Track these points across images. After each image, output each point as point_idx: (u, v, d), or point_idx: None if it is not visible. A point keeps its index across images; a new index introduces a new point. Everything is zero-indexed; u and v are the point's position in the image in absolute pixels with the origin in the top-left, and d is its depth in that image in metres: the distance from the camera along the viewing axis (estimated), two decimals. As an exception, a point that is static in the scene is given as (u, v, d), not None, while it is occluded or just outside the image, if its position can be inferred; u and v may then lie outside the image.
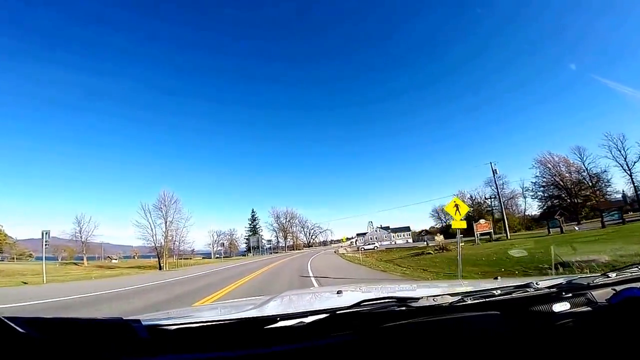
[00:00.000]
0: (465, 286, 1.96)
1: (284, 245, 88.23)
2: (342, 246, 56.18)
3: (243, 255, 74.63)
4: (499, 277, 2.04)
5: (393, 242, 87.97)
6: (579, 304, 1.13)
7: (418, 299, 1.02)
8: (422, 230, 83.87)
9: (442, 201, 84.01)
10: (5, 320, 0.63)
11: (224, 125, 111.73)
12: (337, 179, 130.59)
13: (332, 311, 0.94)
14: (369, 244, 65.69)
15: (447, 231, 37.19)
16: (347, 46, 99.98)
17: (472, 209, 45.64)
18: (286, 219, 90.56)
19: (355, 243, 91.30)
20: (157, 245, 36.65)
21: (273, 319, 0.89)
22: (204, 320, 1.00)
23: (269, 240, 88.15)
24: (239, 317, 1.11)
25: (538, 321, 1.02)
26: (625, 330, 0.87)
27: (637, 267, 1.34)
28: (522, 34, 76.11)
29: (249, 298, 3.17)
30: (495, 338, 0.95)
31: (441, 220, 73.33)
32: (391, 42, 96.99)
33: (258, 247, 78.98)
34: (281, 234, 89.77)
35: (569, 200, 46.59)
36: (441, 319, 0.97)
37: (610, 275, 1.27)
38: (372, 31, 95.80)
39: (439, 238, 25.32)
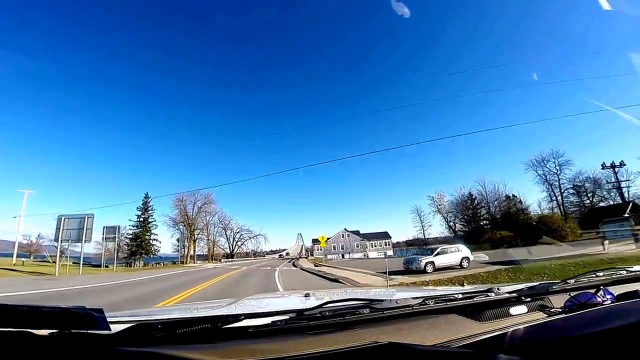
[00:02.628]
0: (431, 292, 1.91)
1: (189, 253, 55.56)
2: (298, 257, 49.48)
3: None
4: (465, 284, 3.28)
5: (365, 255, 59.55)
6: (535, 308, 1.21)
7: (382, 300, 1.08)
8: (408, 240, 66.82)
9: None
10: None
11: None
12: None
13: (298, 311, 0.98)
14: (329, 255, 52.92)
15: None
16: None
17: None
18: (193, 205, 56.68)
19: (306, 253, 60.94)
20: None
21: (237, 317, 0.89)
22: (167, 317, 1.06)
23: (177, 243, 56.08)
24: (203, 315, 1.15)
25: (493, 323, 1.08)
26: (575, 334, 0.90)
27: (594, 274, 1.46)
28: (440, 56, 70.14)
29: (218, 300, 3.27)
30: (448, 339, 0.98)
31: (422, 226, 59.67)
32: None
33: (148, 253, 47.00)
34: (187, 233, 55.51)
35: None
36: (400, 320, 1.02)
37: (569, 282, 1.36)
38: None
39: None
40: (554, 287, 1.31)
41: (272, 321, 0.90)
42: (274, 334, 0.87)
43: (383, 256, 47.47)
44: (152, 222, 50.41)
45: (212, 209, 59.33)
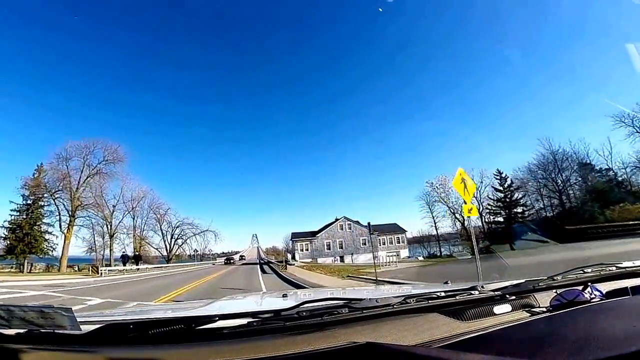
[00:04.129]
0: (412, 290, 1.90)
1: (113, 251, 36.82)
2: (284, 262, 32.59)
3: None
4: (449, 282, 2.01)
5: (378, 257, 38.08)
6: (519, 306, 1.18)
7: (361, 300, 1.05)
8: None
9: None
10: None
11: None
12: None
13: (274, 312, 0.96)
14: (322, 257, 40.79)
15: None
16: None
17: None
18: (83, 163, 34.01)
19: (284, 255, 48.22)
20: None
21: (211, 318, 0.88)
22: (139, 318, 1.04)
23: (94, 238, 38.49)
24: (176, 316, 1.12)
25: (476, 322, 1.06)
26: (562, 332, 0.89)
27: (581, 270, 1.42)
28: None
29: (194, 301, 3.41)
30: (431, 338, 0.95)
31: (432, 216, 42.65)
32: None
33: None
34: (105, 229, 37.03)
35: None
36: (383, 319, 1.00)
37: (555, 279, 1.33)
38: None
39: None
40: (540, 285, 1.29)
41: (247, 322, 0.88)
42: (249, 334, 0.86)
43: (394, 256, 31.53)
44: (45, 206, 32.94)
45: (122, 172, 36.99)
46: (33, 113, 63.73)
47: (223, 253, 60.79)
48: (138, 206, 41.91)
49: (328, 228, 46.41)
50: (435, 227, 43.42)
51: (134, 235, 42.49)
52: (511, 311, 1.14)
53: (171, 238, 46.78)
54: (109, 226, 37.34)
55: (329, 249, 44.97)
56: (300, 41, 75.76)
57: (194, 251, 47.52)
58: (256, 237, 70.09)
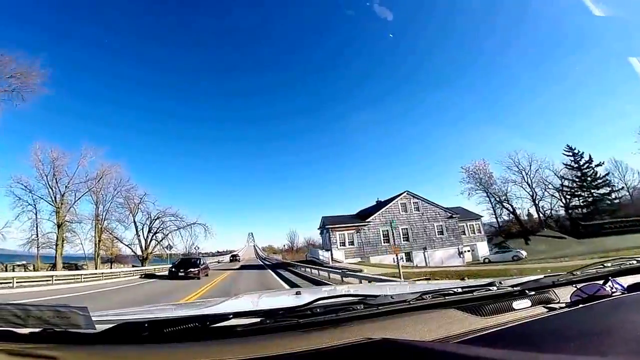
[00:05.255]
0: (428, 286, 1.79)
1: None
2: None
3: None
4: (466, 278, 2.14)
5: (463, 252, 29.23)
6: (539, 301, 1.15)
7: (377, 296, 1.05)
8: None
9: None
10: None
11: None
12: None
13: (288, 309, 0.96)
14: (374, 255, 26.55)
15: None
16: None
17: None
18: None
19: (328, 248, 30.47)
20: None
21: (226, 316, 0.88)
22: (154, 317, 1.03)
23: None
24: (191, 314, 1.12)
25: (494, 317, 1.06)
26: (583, 327, 0.89)
27: (602, 265, 1.42)
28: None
29: (207, 299, 3.22)
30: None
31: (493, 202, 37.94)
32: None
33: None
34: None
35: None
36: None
37: (575, 273, 1.32)
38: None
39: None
40: (560, 280, 1.27)
41: (261, 319, 0.88)
42: (263, 332, 0.85)
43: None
44: None
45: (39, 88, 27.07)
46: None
47: (218, 252, 53.55)
48: (101, 187, 31.01)
49: (384, 209, 29.38)
50: (497, 217, 37.23)
51: (95, 227, 30.98)
52: (530, 306, 1.10)
53: (148, 232, 34.91)
54: (58, 211, 27.76)
55: (387, 240, 28.08)
56: (295, 45, 74.54)
57: (182, 252, 35.16)
58: (252, 236, 64.77)
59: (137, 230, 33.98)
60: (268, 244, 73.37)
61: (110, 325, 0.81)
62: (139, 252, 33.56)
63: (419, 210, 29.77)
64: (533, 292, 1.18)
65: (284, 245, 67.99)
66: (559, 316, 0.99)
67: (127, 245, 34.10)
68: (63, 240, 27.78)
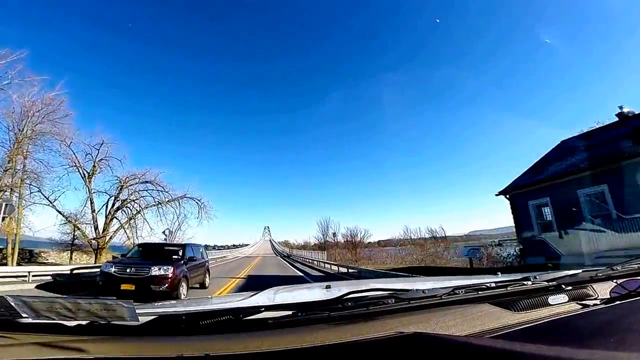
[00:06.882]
0: (460, 281, 1.69)
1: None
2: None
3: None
4: (499, 273, 1.90)
5: None
6: (576, 296, 1.13)
7: (408, 290, 1.04)
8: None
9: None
10: None
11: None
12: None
13: (319, 303, 0.97)
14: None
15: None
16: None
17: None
18: None
19: None
20: None
21: (257, 309, 0.89)
22: (190, 309, 1.07)
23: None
24: (225, 307, 1.13)
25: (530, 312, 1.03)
26: (623, 324, 0.87)
27: None
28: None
29: (239, 293, 3.24)
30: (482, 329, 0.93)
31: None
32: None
33: None
34: None
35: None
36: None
37: (615, 268, 1.29)
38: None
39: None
40: (598, 275, 1.25)
41: (292, 312, 0.89)
42: (294, 325, 0.86)
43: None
44: None
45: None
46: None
47: (234, 245, 45.22)
48: (27, 124, 16.85)
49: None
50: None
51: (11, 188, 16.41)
52: (567, 302, 1.09)
53: (112, 206, 21.41)
54: None
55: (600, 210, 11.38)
56: (315, 36, 74.28)
57: (169, 238, 22.16)
58: (268, 230, 62.79)
59: (91, 200, 20.63)
60: (284, 239, 69.29)
61: (151, 318, 0.84)
62: (91, 235, 20.30)
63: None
64: (570, 287, 1.15)
65: (314, 238, 49.45)
66: (597, 312, 0.97)
67: (66, 218, 19.95)
68: None
